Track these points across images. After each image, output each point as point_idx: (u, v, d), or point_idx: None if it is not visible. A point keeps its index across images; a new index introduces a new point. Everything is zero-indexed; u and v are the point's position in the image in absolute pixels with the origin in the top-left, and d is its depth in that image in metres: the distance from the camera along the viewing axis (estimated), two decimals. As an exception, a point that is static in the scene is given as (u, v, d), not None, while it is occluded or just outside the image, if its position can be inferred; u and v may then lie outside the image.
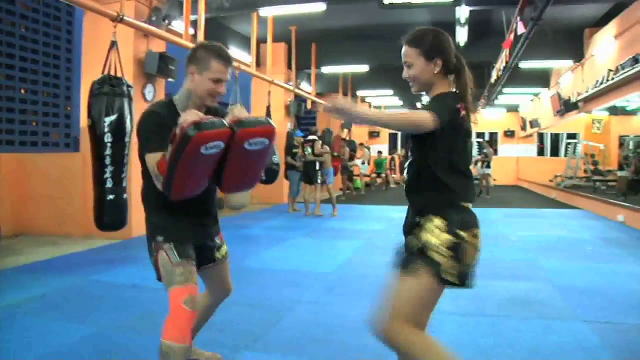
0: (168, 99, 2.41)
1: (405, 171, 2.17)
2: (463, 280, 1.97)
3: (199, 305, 2.39)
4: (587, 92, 11.56)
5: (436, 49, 2.05)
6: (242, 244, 6.97)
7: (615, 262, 5.93)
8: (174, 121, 2.11)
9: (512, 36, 8.56)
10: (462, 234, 1.95)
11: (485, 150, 15.73)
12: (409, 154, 2.13)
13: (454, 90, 2.09)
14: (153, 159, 2.16)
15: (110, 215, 5.17)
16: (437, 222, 1.97)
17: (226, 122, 2.08)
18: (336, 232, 8.19)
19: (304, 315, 3.89)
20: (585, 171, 16.22)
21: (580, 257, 6.20)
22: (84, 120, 7.33)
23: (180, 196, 2.16)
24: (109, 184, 5.24)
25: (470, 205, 2.06)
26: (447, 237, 1.95)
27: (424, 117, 1.88)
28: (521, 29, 7.66)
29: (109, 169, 5.25)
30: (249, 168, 2.33)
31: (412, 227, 2.10)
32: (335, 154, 12.78)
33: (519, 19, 7.78)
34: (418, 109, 2.04)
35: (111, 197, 5.23)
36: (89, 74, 7.17)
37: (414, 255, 2.02)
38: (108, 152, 5.26)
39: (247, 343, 3.25)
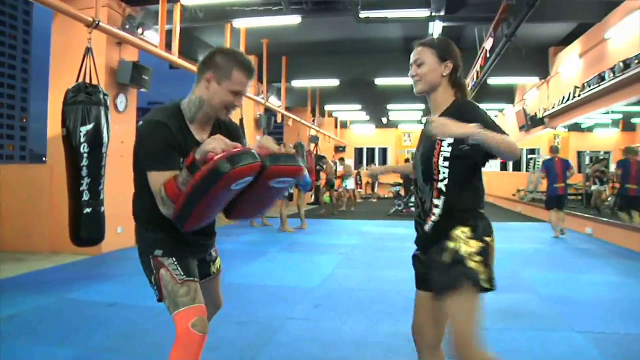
0: (173, 105, 2.13)
1: (422, 185, 2.09)
2: (493, 284, 1.94)
3: None
4: (553, 107, 11.84)
5: (449, 52, 2.09)
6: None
7: (592, 273, 6.04)
8: (183, 134, 1.97)
9: (485, 52, 8.70)
10: (487, 239, 1.96)
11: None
12: (423, 167, 2.07)
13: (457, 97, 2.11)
14: (159, 178, 1.92)
15: (87, 229, 4.95)
16: (464, 229, 1.95)
17: (256, 153, 1.87)
18: (312, 247, 8.08)
19: (296, 332, 3.76)
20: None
21: (559, 268, 6.28)
22: (52, 130, 7.04)
23: (192, 229, 1.99)
24: (86, 197, 5.02)
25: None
26: (476, 243, 1.93)
27: (517, 147, 1.87)
28: (491, 45, 7.80)
29: (86, 181, 5.03)
30: (264, 201, 2.16)
31: (431, 240, 2.04)
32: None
33: (491, 35, 7.92)
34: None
35: (88, 210, 5.01)
36: (59, 81, 6.90)
37: (446, 269, 1.94)
38: (84, 162, 5.04)
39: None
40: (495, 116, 19.98)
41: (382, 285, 5.39)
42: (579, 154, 18.94)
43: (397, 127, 24.90)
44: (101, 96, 5.35)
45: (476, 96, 12.37)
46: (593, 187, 13.17)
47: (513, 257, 6.96)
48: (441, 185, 1.99)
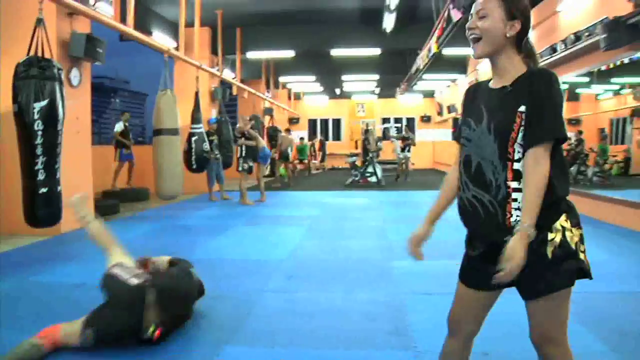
0: None
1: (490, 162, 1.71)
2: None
3: None
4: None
5: (521, 10, 1.69)
6: (184, 234, 6.75)
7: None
8: None
9: (443, 22, 8.76)
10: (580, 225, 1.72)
11: (405, 134, 16.13)
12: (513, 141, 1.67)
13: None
14: None
15: (43, 209, 4.78)
16: (564, 218, 1.66)
17: None
18: (275, 219, 8.08)
19: (273, 304, 3.78)
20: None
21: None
22: (2, 107, 6.71)
23: None
24: (41, 176, 4.85)
25: None
26: (578, 231, 1.69)
27: (546, 170, 1.59)
28: (457, 16, 7.85)
29: (41, 159, 4.85)
30: None
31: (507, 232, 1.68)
32: None
33: (451, 6, 7.97)
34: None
35: (43, 189, 4.84)
36: (8, 54, 6.55)
37: (553, 265, 1.65)
38: (39, 140, 4.86)
39: (226, 337, 3.10)
40: (448, 86, 20.28)
41: (352, 254, 5.46)
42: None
43: (350, 97, 24.96)
44: (55, 70, 5.13)
45: (429, 67, 12.53)
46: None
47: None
48: (517, 166, 1.65)
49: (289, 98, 23.14)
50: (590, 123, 11.83)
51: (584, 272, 1.69)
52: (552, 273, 1.64)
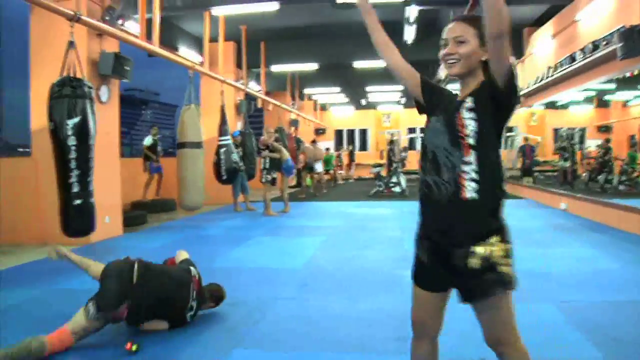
0: None
1: (442, 163, 1.88)
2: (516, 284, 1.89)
3: None
4: (527, 87, 12.12)
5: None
6: (206, 244, 7.00)
7: (564, 247, 6.35)
8: None
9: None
10: (510, 241, 1.88)
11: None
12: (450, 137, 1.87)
13: None
14: None
15: (77, 220, 5.08)
16: (493, 236, 1.83)
17: None
18: (296, 230, 8.29)
19: (285, 311, 3.98)
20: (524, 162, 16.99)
21: (533, 243, 6.55)
22: (35, 124, 7.11)
23: None
24: (75, 189, 5.15)
25: None
26: (504, 247, 1.84)
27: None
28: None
29: (75, 173, 5.15)
30: None
31: (461, 240, 1.85)
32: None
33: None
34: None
35: (78, 201, 5.14)
36: (38, 75, 6.96)
37: (480, 273, 1.82)
38: (73, 155, 5.16)
39: (236, 340, 3.32)
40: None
41: (365, 264, 5.62)
42: (556, 131, 19.34)
43: (376, 108, 25.11)
44: (86, 89, 5.45)
45: (452, 77, 12.62)
46: (559, 164, 13.58)
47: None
48: (469, 140, 1.82)
49: (315, 109, 23.40)
50: (620, 130, 11.78)
51: (504, 283, 1.83)
52: (478, 281, 1.82)
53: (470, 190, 1.81)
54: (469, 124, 1.82)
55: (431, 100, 2.05)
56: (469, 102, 1.84)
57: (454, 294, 2.00)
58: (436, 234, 1.92)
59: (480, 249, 1.80)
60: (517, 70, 1.83)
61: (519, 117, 20.41)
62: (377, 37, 2.15)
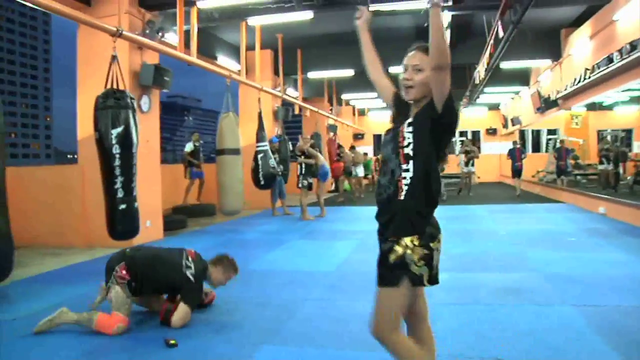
0: None
1: (390, 169, 2.19)
2: (433, 282, 2.19)
3: None
4: (565, 89, 11.97)
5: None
6: (243, 247, 7.24)
7: (596, 251, 6.30)
8: None
9: (493, 39, 8.91)
10: (432, 245, 2.14)
11: (468, 148, 16.04)
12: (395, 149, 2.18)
13: None
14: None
15: (122, 224, 5.39)
16: (414, 238, 2.12)
17: None
18: (330, 234, 8.45)
19: (313, 311, 4.15)
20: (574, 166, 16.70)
21: (565, 247, 6.55)
22: (82, 133, 7.50)
23: None
24: (120, 194, 5.46)
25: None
26: (422, 251, 2.12)
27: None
28: (500, 32, 8.01)
29: (119, 179, 5.47)
30: None
31: (390, 217, 2.19)
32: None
33: (499, 22, 8.13)
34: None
35: (122, 206, 5.46)
36: (86, 86, 7.35)
37: (391, 267, 2.14)
38: (117, 162, 5.47)
39: (265, 338, 3.52)
40: (512, 98, 20.07)
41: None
42: (599, 133, 18.92)
43: (414, 112, 25.02)
44: (128, 100, 5.78)
45: (489, 80, 12.58)
46: (600, 167, 13.31)
47: (522, 238, 7.28)
48: (407, 150, 2.13)
49: (353, 114, 23.52)
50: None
51: (413, 280, 2.12)
52: (389, 273, 2.15)
53: (404, 193, 2.13)
54: (408, 137, 2.15)
55: (397, 114, 2.36)
56: (410, 119, 2.18)
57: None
58: (379, 227, 2.25)
59: (399, 248, 2.12)
60: (457, 105, 2.13)
61: (558, 120, 20.11)
62: (368, 54, 2.52)
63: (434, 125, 2.12)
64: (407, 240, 2.11)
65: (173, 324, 3.72)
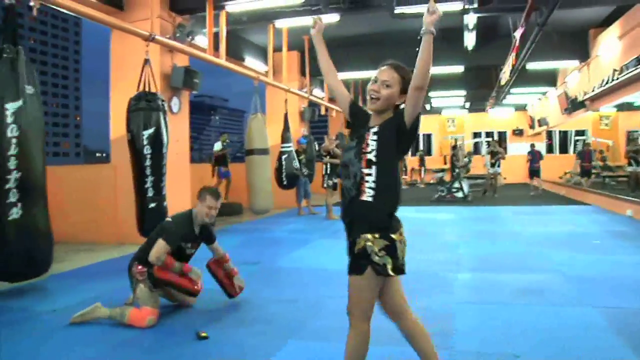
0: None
1: (354, 167, 2.37)
2: (399, 272, 2.41)
3: None
4: (593, 91, 11.88)
5: (407, 89, 2.37)
6: (270, 246, 7.42)
7: (621, 254, 6.30)
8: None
9: (519, 40, 8.91)
10: (393, 236, 2.35)
11: (494, 149, 15.94)
12: (362, 148, 2.37)
13: None
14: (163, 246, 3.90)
15: (152, 222, 5.58)
16: (375, 234, 2.33)
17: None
18: (354, 233, 8.52)
19: (337, 307, 4.23)
20: (594, 167, 16.50)
21: (589, 249, 6.55)
22: (114, 133, 7.74)
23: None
24: (150, 193, 5.68)
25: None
26: (382, 242, 2.33)
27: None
28: (519, 34, 8.04)
29: (150, 179, 5.69)
30: None
31: (357, 216, 2.40)
32: None
33: (524, 24, 8.15)
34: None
35: (152, 205, 5.67)
36: (117, 89, 7.60)
37: (356, 258, 2.37)
38: (148, 163, 5.69)
39: (292, 332, 3.66)
40: (539, 99, 19.90)
41: (418, 266, 5.79)
42: (629, 134, 18.66)
43: (440, 113, 24.97)
44: (159, 102, 6.00)
45: (516, 81, 12.54)
46: (629, 169, 13.15)
47: (545, 240, 7.29)
48: (370, 156, 2.33)
49: (379, 114, 23.51)
50: None
51: (376, 270, 2.33)
52: (354, 263, 2.40)
53: (367, 194, 2.33)
54: (371, 144, 2.35)
55: (354, 122, 2.59)
56: (375, 129, 2.38)
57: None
58: (345, 226, 2.47)
59: (361, 241, 2.32)
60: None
61: (586, 121, 19.89)
62: (324, 64, 2.70)
63: (399, 136, 2.34)
64: (368, 235, 2.32)
65: (149, 258, 3.93)
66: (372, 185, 2.32)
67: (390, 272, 2.35)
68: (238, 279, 4.44)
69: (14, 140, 4.35)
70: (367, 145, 2.35)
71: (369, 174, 2.32)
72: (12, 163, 4.35)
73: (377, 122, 2.42)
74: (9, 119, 4.33)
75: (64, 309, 4.28)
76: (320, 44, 2.67)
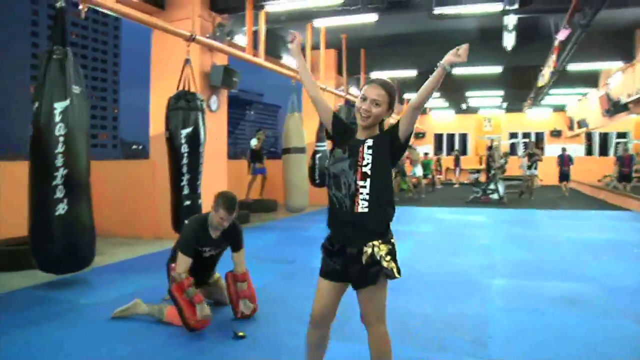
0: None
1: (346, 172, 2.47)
2: (399, 274, 2.46)
3: None
4: (637, 93, 11.57)
5: (393, 108, 2.53)
6: (304, 245, 7.46)
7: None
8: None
9: (560, 42, 8.76)
10: (392, 240, 2.48)
11: (531, 151, 15.68)
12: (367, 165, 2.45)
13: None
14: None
15: (186, 219, 5.70)
16: (378, 241, 2.43)
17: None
18: (388, 234, 8.51)
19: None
20: (636, 171, 16.10)
21: (628, 258, 6.42)
22: (154, 130, 7.90)
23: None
24: (186, 191, 5.81)
25: None
26: (386, 247, 2.43)
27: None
28: (562, 36, 7.89)
29: (186, 177, 5.82)
30: None
31: (357, 232, 2.46)
32: None
33: (567, 27, 8.00)
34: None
35: (187, 202, 5.80)
36: (158, 86, 7.76)
37: (366, 268, 2.42)
38: (185, 161, 5.82)
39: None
40: (579, 100, 19.48)
41: (452, 269, 5.81)
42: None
43: (477, 112, 24.69)
44: (198, 102, 6.11)
45: (555, 82, 12.32)
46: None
47: (584, 247, 7.17)
48: (365, 169, 2.43)
49: (415, 113, 23.36)
50: None
51: (386, 275, 2.40)
52: (365, 274, 2.43)
53: (361, 206, 2.42)
54: (367, 157, 2.45)
55: (338, 133, 2.64)
56: (369, 142, 2.48)
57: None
58: (339, 237, 2.53)
59: (368, 249, 2.40)
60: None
61: (629, 123, 19.38)
62: (305, 77, 2.72)
63: (393, 149, 2.47)
64: (373, 242, 2.41)
65: (172, 273, 4.01)
66: (366, 197, 2.41)
67: (397, 275, 2.42)
68: (245, 305, 4.11)
69: (61, 139, 4.51)
70: (363, 158, 2.45)
71: (364, 186, 2.42)
72: (59, 160, 4.50)
73: (367, 135, 2.52)
74: (57, 118, 4.49)
75: (105, 303, 4.42)
76: (299, 56, 2.70)
